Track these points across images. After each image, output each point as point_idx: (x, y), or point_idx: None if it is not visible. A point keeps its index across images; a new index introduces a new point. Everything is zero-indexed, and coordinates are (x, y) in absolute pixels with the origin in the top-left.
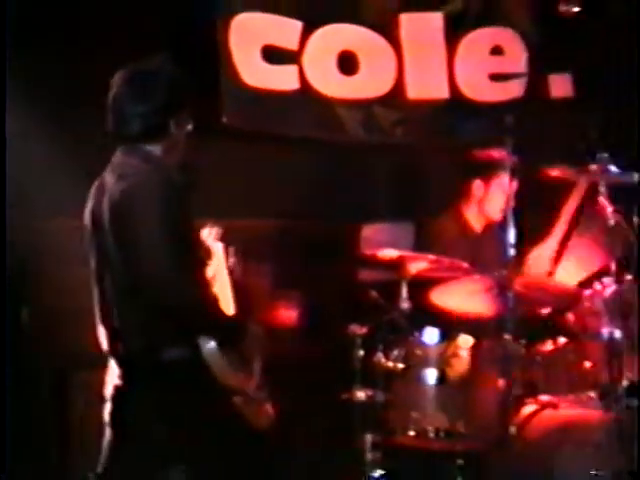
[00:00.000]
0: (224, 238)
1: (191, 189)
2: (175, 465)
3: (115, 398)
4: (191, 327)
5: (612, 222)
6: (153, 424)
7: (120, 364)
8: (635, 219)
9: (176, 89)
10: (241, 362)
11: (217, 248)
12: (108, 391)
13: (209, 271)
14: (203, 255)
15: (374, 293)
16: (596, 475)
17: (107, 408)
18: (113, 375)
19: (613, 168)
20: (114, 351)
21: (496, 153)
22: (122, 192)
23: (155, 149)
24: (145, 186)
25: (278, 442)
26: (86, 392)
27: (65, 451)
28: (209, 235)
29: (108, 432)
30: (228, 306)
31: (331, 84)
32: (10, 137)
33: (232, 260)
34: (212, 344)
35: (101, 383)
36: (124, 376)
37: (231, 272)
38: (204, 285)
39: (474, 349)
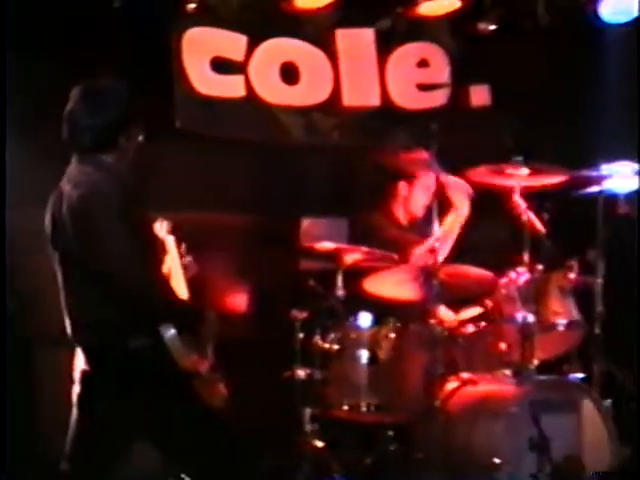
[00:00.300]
0: (178, 231)
1: (144, 189)
2: (139, 443)
3: (83, 382)
4: (151, 315)
5: (525, 218)
6: (119, 407)
7: (85, 352)
8: (545, 215)
9: (127, 106)
10: (196, 346)
11: (169, 241)
12: (76, 374)
13: (165, 262)
14: (158, 248)
15: (312, 282)
16: (498, 463)
17: (75, 390)
18: (80, 359)
19: (526, 170)
20: (79, 340)
21: (421, 156)
22: (79, 198)
23: (107, 157)
24: (99, 192)
25: (230, 416)
26: (56, 371)
27: (35, 430)
28: (161, 229)
29: (75, 413)
30: (182, 294)
31: (274, 92)
32: None
33: (184, 251)
34: (172, 331)
35: (70, 364)
36: (90, 362)
37: (184, 263)
38: (161, 275)
39: (402, 332)
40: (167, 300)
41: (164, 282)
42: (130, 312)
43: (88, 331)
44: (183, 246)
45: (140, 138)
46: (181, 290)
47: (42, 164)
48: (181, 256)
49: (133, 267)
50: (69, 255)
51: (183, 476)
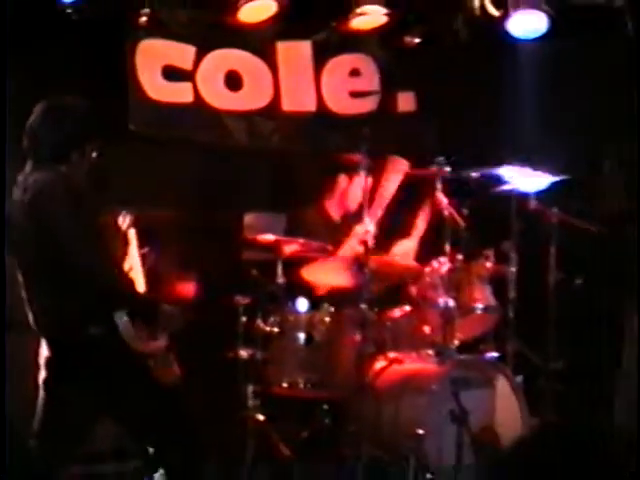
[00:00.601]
0: (135, 225)
1: (99, 188)
2: (102, 420)
3: (47, 367)
4: (107, 304)
5: (446, 213)
6: (81, 388)
7: (47, 340)
8: (464, 210)
9: (84, 125)
10: (151, 331)
11: (131, 233)
12: (41, 360)
13: (128, 254)
14: (116, 241)
15: (254, 271)
16: (422, 434)
17: (41, 375)
18: (44, 347)
19: (448, 169)
20: (40, 329)
21: (355, 157)
22: (33, 199)
23: (61, 167)
24: (52, 194)
25: (183, 393)
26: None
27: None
28: (123, 222)
29: (42, 395)
30: (140, 285)
31: (219, 98)
32: None
33: (140, 244)
34: (124, 318)
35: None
36: (52, 350)
37: (142, 254)
38: (116, 267)
39: (336, 316)
40: (122, 290)
41: (120, 273)
42: (86, 302)
43: (48, 321)
44: (141, 239)
45: (94, 155)
46: (139, 281)
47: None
48: (140, 247)
49: (86, 261)
50: (26, 251)
51: (149, 449)
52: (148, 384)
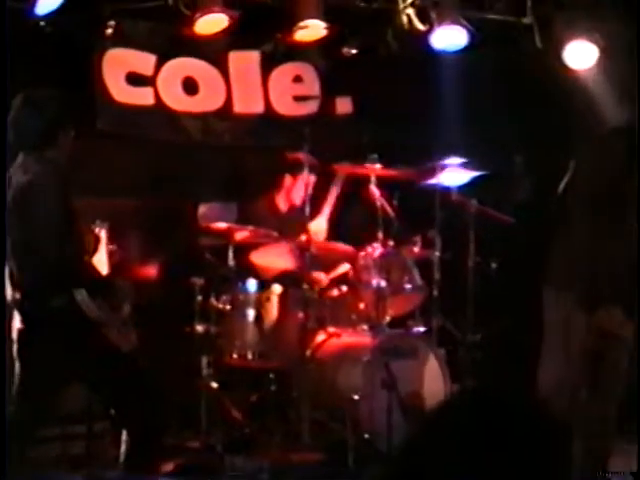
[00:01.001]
0: (102, 214)
1: (77, 178)
2: (69, 383)
3: (19, 339)
4: (69, 282)
5: (379, 204)
6: (49, 355)
7: (20, 312)
8: (394, 202)
9: (59, 109)
10: (111, 306)
11: (102, 233)
12: (14, 334)
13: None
14: (90, 234)
15: (209, 255)
16: (357, 399)
17: (14, 347)
18: (16, 321)
19: (379, 165)
20: (16, 303)
21: (300, 155)
22: (22, 185)
23: (49, 153)
24: (38, 182)
25: (144, 363)
26: None
27: None
28: (97, 226)
29: (17, 365)
30: (103, 268)
31: (177, 101)
32: None
33: (107, 233)
34: (83, 293)
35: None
36: (23, 320)
37: (109, 250)
38: (82, 252)
39: (281, 295)
40: (83, 270)
41: (83, 257)
42: (53, 279)
43: (22, 295)
44: (107, 229)
45: (72, 134)
46: (102, 265)
47: None
48: (108, 244)
49: (58, 245)
50: (10, 231)
51: (111, 411)
52: (108, 351)
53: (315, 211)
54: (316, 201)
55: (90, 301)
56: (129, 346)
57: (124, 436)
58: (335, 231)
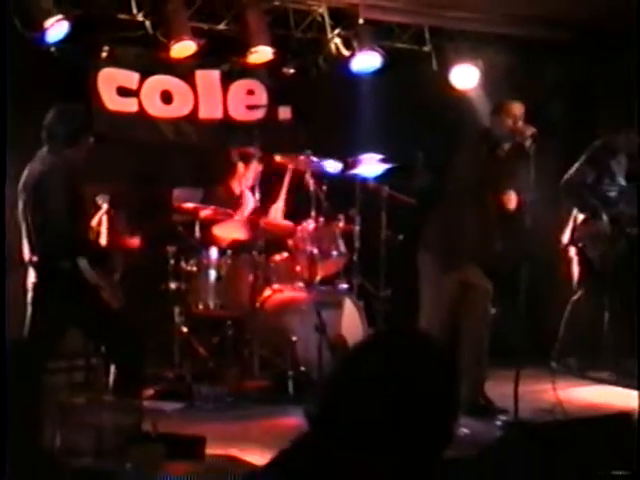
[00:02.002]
0: (105, 197)
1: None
2: (70, 327)
3: (33, 289)
4: (74, 251)
5: (312, 189)
6: (55, 304)
7: (35, 269)
8: (324, 188)
9: (82, 121)
10: (106, 272)
11: (104, 207)
12: (29, 285)
13: (94, 220)
14: (93, 210)
15: (180, 228)
16: (294, 340)
17: (29, 295)
18: (32, 276)
19: (314, 159)
20: (31, 261)
21: (250, 150)
22: (40, 174)
23: (69, 152)
24: (53, 171)
25: (130, 313)
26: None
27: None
28: (100, 199)
29: (29, 310)
30: (103, 240)
31: (156, 109)
32: None
33: (106, 211)
34: (84, 261)
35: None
36: (37, 276)
37: (108, 218)
38: (86, 227)
39: (236, 260)
40: (86, 242)
41: (87, 231)
42: (61, 247)
43: (37, 256)
44: (106, 207)
45: (91, 140)
46: (103, 237)
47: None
48: (107, 215)
49: (66, 222)
50: (30, 210)
51: (102, 349)
52: (101, 306)
53: (274, 197)
54: (273, 189)
55: (89, 268)
56: (118, 304)
57: (112, 369)
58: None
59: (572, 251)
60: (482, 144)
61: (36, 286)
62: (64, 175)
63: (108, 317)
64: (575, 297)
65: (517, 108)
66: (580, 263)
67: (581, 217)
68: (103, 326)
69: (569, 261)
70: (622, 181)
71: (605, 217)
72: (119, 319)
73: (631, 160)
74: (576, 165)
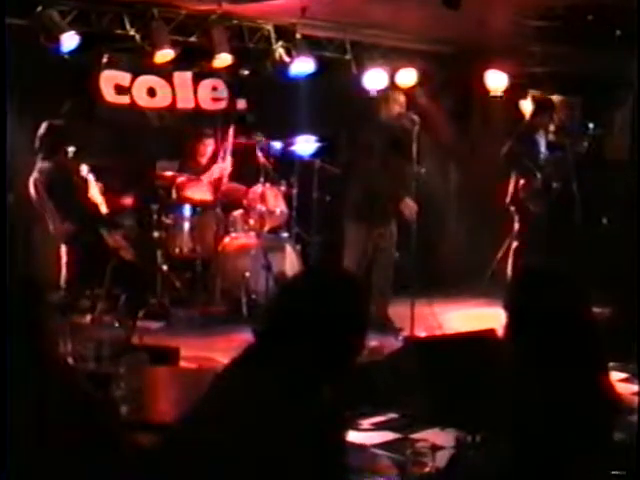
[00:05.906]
0: (94, 170)
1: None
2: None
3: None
4: (92, 225)
5: (261, 162)
6: (84, 258)
7: (65, 244)
8: (271, 161)
9: (64, 136)
10: (117, 232)
11: (90, 178)
12: (62, 253)
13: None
14: (83, 185)
15: (161, 191)
16: (247, 276)
17: (63, 248)
18: (63, 247)
19: (263, 139)
20: (61, 233)
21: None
22: (39, 172)
23: (56, 157)
24: (49, 173)
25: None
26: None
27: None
28: (84, 171)
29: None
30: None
31: (144, 101)
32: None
33: (97, 182)
34: (104, 230)
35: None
36: (67, 241)
37: (99, 188)
38: (95, 207)
39: (204, 215)
40: (100, 217)
41: (99, 211)
42: (81, 225)
43: (65, 234)
44: (95, 179)
45: (71, 149)
46: (103, 205)
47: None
48: (97, 186)
49: (78, 206)
50: (52, 197)
51: (117, 292)
52: (119, 260)
53: (222, 158)
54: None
55: (108, 234)
56: (130, 257)
57: (123, 298)
58: (236, 178)
59: (513, 209)
60: (379, 124)
61: (67, 252)
62: (61, 175)
63: (122, 265)
64: (514, 245)
65: (402, 98)
66: (520, 218)
67: (522, 182)
68: (118, 272)
69: (511, 217)
70: (545, 150)
71: (539, 176)
72: (133, 267)
73: (555, 134)
74: (508, 142)
